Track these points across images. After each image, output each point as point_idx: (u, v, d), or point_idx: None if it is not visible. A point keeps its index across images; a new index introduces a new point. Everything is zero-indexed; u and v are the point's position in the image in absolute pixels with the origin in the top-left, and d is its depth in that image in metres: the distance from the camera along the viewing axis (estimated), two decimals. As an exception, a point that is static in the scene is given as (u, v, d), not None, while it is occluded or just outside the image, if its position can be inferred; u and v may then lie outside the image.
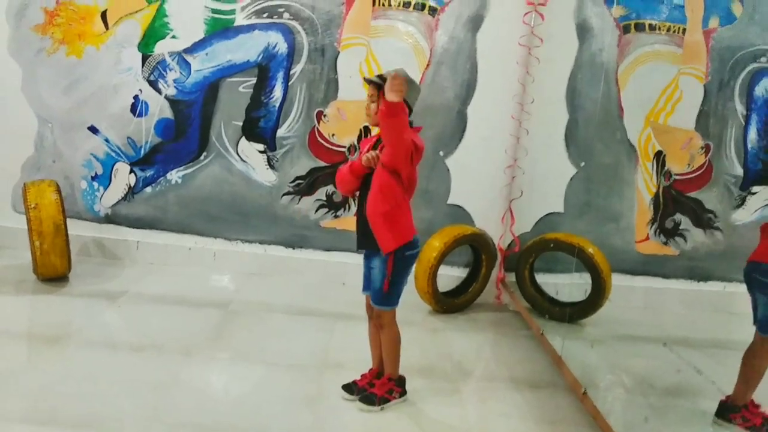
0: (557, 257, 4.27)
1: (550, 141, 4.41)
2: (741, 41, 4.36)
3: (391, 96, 2.40)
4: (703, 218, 4.46)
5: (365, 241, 2.70)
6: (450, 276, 4.37)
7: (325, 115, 4.48)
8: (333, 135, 4.50)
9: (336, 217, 4.63)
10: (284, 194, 4.60)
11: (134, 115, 4.51)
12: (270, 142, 4.53)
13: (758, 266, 2.77)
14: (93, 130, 4.55)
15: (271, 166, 4.57)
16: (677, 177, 4.46)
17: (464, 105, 4.43)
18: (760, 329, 2.71)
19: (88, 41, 4.45)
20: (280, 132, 4.51)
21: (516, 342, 3.82)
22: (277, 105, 4.47)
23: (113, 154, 4.59)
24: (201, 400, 2.73)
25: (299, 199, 4.61)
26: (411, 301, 4.31)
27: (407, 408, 2.84)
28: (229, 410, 2.65)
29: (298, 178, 4.58)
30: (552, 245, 4.17)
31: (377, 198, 2.60)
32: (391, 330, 2.78)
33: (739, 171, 4.44)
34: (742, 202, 4.46)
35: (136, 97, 4.49)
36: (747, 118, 4.42)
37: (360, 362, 2.99)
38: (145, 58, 4.44)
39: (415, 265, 4.03)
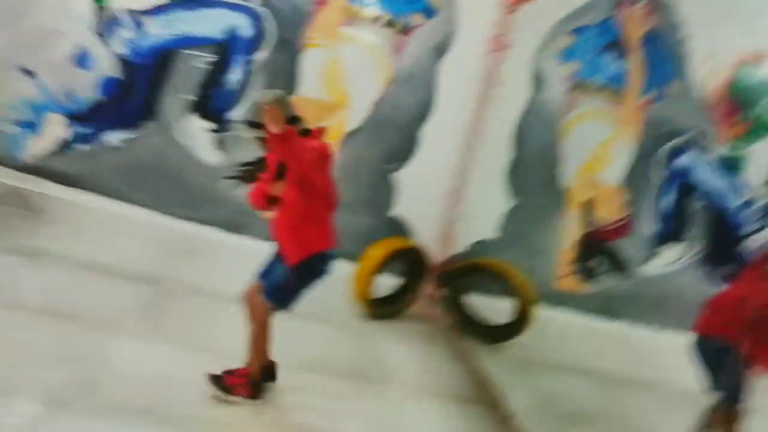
0: (486, 280, 4.45)
1: (493, 173, 4.64)
2: (670, 117, 4.85)
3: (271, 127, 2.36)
4: (617, 263, 4.84)
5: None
6: (383, 284, 4.39)
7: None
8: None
9: (277, 209, 4.56)
10: (228, 177, 4.48)
11: (78, 66, 4.24)
12: (221, 123, 4.43)
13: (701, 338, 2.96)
14: (27, 72, 4.23)
15: (218, 147, 4.45)
16: (601, 225, 4.83)
17: (418, 126, 4.58)
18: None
19: (34, -26, 4.18)
20: (234, 115, 4.42)
21: (441, 355, 3.91)
22: (234, 88, 4.39)
23: (48, 103, 4.28)
24: (123, 379, 2.57)
25: (243, 185, 4.49)
26: (342, 304, 4.32)
27: (334, 408, 2.83)
28: (151, 393, 2.51)
29: (246, 163, 4.48)
30: (485, 269, 4.35)
31: (284, 214, 2.57)
32: (265, 324, 2.66)
33: (653, 228, 4.88)
34: (653, 255, 4.88)
35: (82, 48, 4.23)
36: (663, 184, 4.88)
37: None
38: (99, 10, 4.19)
39: (354, 270, 4.08)
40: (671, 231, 4.88)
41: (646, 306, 4.58)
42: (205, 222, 4.47)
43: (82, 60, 4.24)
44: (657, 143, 4.89)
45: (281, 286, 2.57)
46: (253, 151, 4.40)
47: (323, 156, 2.56)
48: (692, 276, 4.83)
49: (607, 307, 4.80)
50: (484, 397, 3.32)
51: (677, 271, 4.83)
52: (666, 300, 4.70)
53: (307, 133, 2.61)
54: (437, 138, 4.62)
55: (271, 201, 2.63)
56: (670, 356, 3.47)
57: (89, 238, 3.94)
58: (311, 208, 2.56)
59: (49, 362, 2.46)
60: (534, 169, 4.72)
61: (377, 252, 4.15)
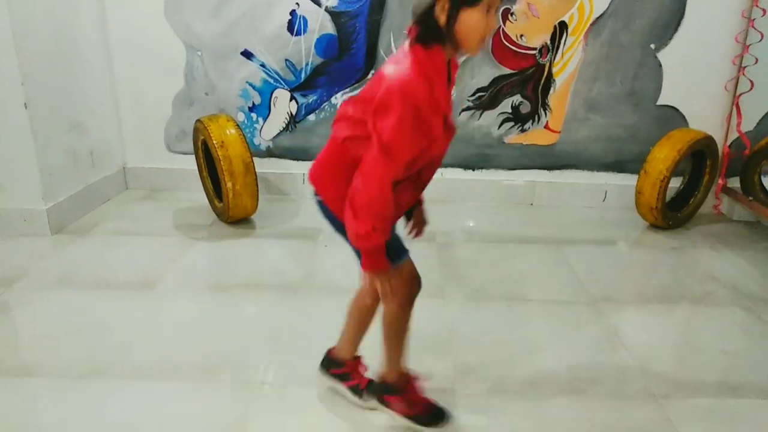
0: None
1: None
2: None
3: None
4: None
5: None
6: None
7: (512, 14, 3.89)
8: (521, 36, 3.93)
9: (523, 131, 4.16)
10: (463, 110, 4.13)
11: (292, 33, 4.02)
12: (446, 51, 4.01)
13: None
14: (247, 55, 4.11)
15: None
16: None
17: (681, -10, 3.77)
18: None
19: (235, -49, 3.92)
20: (457, 39, 3.97)
21: (759, 254, 3.42)
22: (454, 9, 3.90)
23: (271, 81, 4.16)
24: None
25: (480, 114, 4.14)
26: (625, 218, 3.94)
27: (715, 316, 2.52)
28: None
29: (479, 90, 4.08)
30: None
31: None
32: None
33: None
34: None
35: (293, 13, 3.98)
36: None
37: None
38: (301, -34, 3.90)
39: (641, 177, 3.62)
40: None
41: None
42: (444, 165, 4.20)
43: (294, 26, 4.00)
44: None
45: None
46: (483, 76, 4.04)
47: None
48: None
49: None
50: None
51: None
52: None
53: None
54: (704, 3, 3.79)
55: None
56: None
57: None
58: None
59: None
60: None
61: (666, 152, 3.58)
